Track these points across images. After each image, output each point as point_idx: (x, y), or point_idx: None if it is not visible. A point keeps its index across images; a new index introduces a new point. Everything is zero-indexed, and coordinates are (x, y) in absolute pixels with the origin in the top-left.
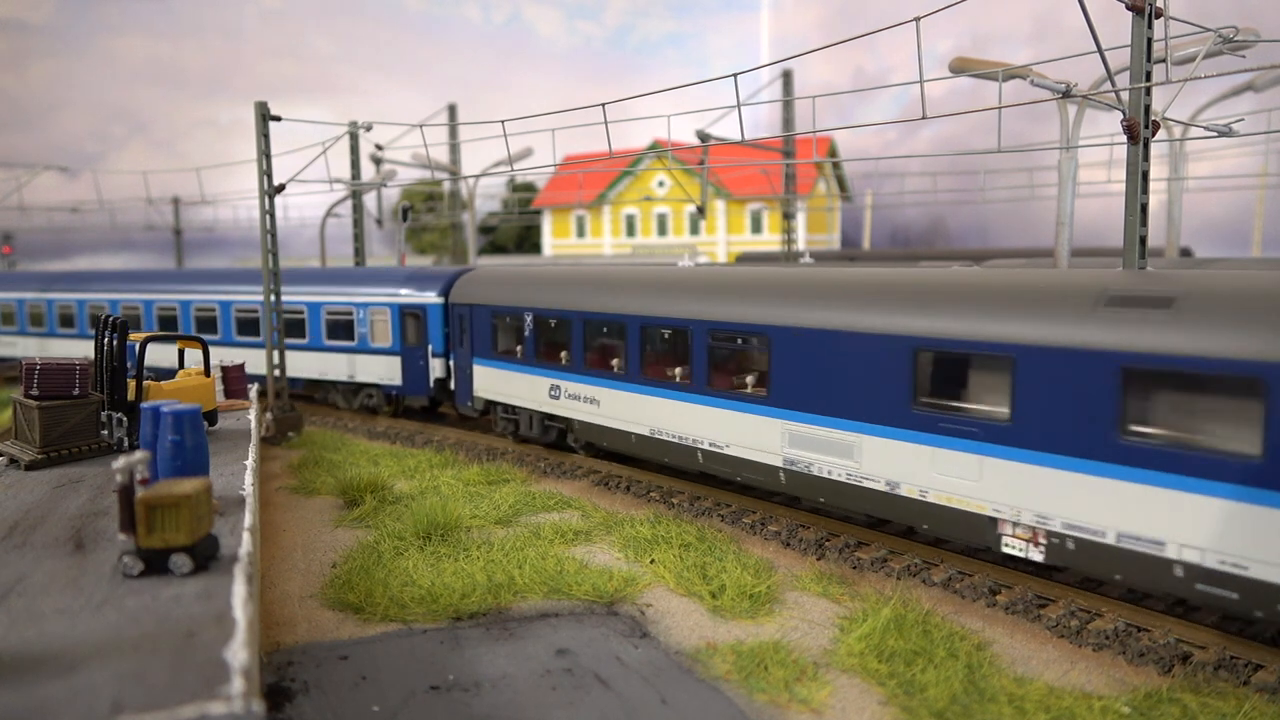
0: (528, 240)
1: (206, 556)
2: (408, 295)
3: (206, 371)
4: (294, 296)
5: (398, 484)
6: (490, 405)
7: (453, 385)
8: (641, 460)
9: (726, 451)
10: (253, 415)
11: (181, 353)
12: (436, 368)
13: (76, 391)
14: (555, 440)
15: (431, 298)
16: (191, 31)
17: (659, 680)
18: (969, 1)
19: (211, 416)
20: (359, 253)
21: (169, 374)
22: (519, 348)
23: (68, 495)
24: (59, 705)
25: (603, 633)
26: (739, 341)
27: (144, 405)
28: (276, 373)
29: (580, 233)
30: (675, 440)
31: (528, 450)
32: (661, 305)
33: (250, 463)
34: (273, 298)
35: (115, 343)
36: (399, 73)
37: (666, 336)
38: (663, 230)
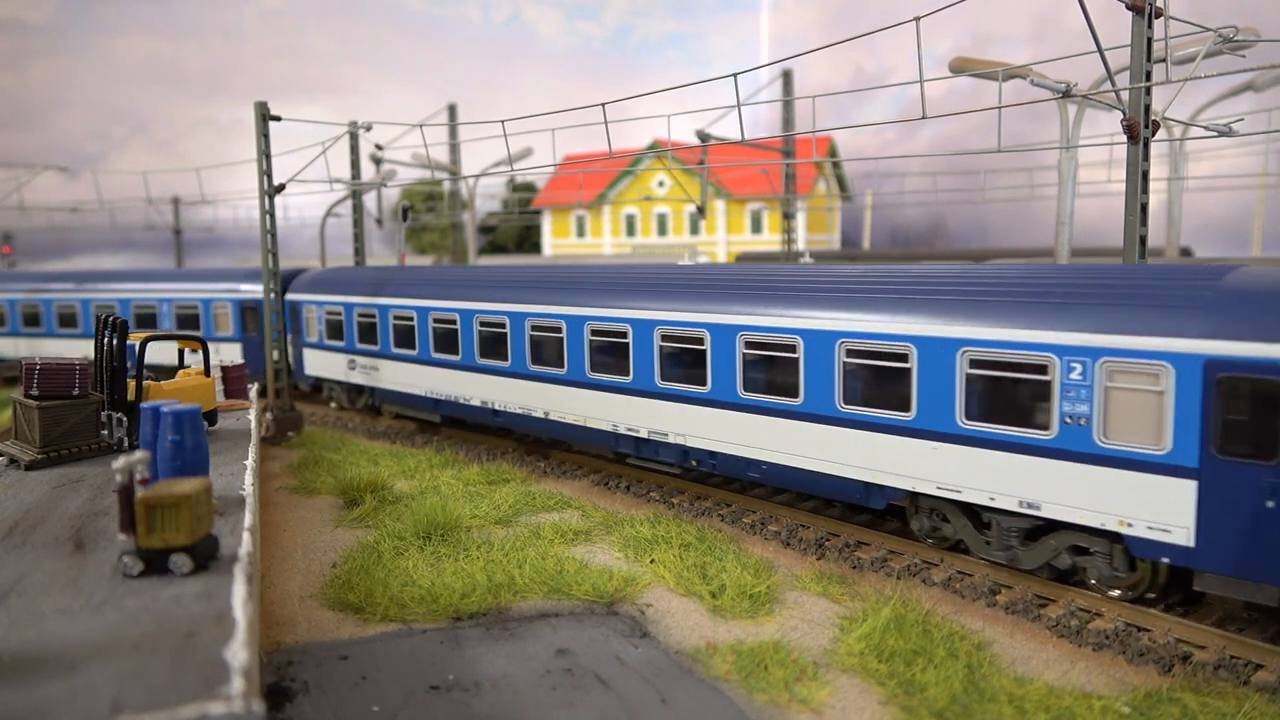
0: (528, 240)
1: (206, 556)
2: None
3: (206, 371)
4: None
5: (398, 484)
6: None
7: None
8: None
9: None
10: (253, 415)
11: (181, 352)
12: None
13: (76, 391)
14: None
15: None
16: (191, 31)
17: (659, 680)
18: (969, 1)
19: (211, 416)
20: (359, 253)
21: (169, 373)
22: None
23: (68, 495)
24: (59, 705)
25: (603, 632)
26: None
27: (144, 405)
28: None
29: (580, 233)
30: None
31: (527, 450)
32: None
33: (250, 463)
34: (273, 296)
35: (115, 342)
36: (399, 73)
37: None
38: (663, 230)
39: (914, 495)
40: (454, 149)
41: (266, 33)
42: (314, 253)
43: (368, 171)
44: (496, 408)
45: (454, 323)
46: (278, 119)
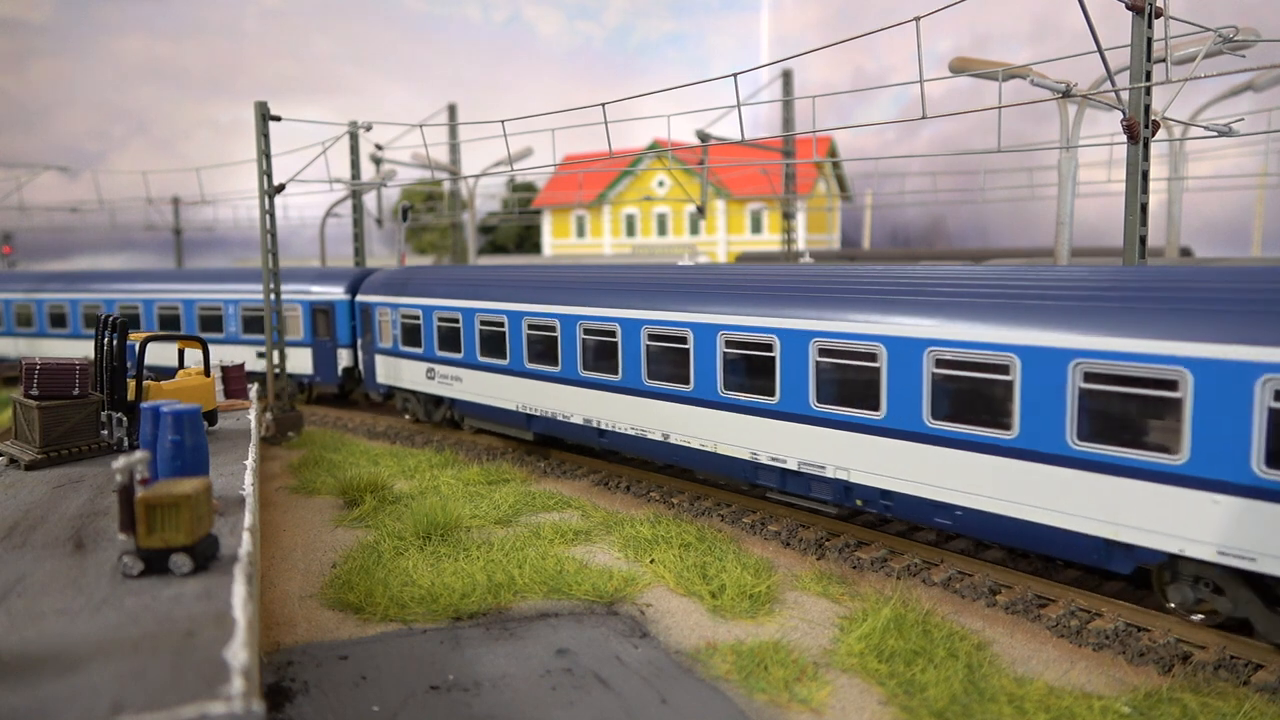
0: (528, 240)
1: (206, 556)
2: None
3: (206, 371)
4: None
5: (398, 484)
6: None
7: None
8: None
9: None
10: (252, 415)
11: (181, 352)
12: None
13: (76, 391)
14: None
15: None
16: (191, 31)
17: (659, 680)
18: (969, 1)
19: (211, 416)
20: (359, 253)
21: (169, 373)
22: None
23: (68, 495)
24: (59, 705)
25: (602, 633)
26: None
27: (144, 405)
28: (276, 371)
29: (580, 233)
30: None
31: (527, 450)
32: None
33: (250, 463)
34: (273, 296)
35: (115, 342)
36: (399, 73)
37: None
38: (663, 230)
39: (1176, 559)
40: (454, 149)
41: (266, 33)
42: (314, 253)
43: (368, 171)
44: (603, 427)
45: (553, 329)
46: (278, 119)
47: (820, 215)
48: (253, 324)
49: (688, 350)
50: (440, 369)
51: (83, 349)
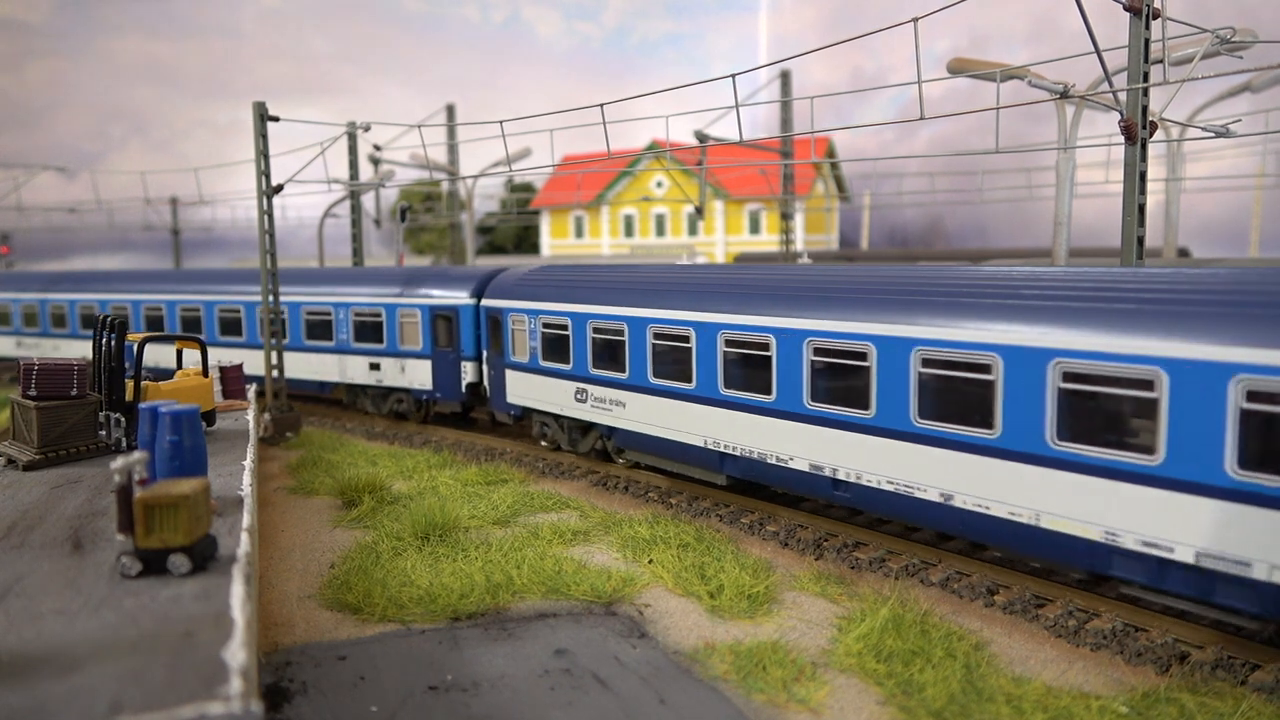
0: (526, 240)
1: (205, 557)
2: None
3: (205, 372)
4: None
5: (396, 484)
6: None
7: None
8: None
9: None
10: (251, 416)
11: (180, 353)
12: (469, 371)
13: (74, 392)
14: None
15: (462, 300)
16: (190, 31)
17: (657, 680)
18: (967, 2)
19: (210, 417)
20: (357, 253)
21: (166, 374)
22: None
23: (66, 496)
24: (58, 705)
25: (601, 633)
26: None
27: (142, 405)
28: (275, 373)
29: (579, 233)
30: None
31: (526, 450)
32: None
33: (248, 463)
34: (269, 298)
35: (113, 343)
36: (397, 73)
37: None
38: (661, 231)
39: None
40: (452, 149)
41: (265, 33)
42: (312, 253)
43: (366, 172)
44: (840, 476)
45: (765, 347)
46: (276, 119)
47: (818, 216)
48: (366, 331)
49: (992, 385)
50: (595, 390)
51: (248, 357)
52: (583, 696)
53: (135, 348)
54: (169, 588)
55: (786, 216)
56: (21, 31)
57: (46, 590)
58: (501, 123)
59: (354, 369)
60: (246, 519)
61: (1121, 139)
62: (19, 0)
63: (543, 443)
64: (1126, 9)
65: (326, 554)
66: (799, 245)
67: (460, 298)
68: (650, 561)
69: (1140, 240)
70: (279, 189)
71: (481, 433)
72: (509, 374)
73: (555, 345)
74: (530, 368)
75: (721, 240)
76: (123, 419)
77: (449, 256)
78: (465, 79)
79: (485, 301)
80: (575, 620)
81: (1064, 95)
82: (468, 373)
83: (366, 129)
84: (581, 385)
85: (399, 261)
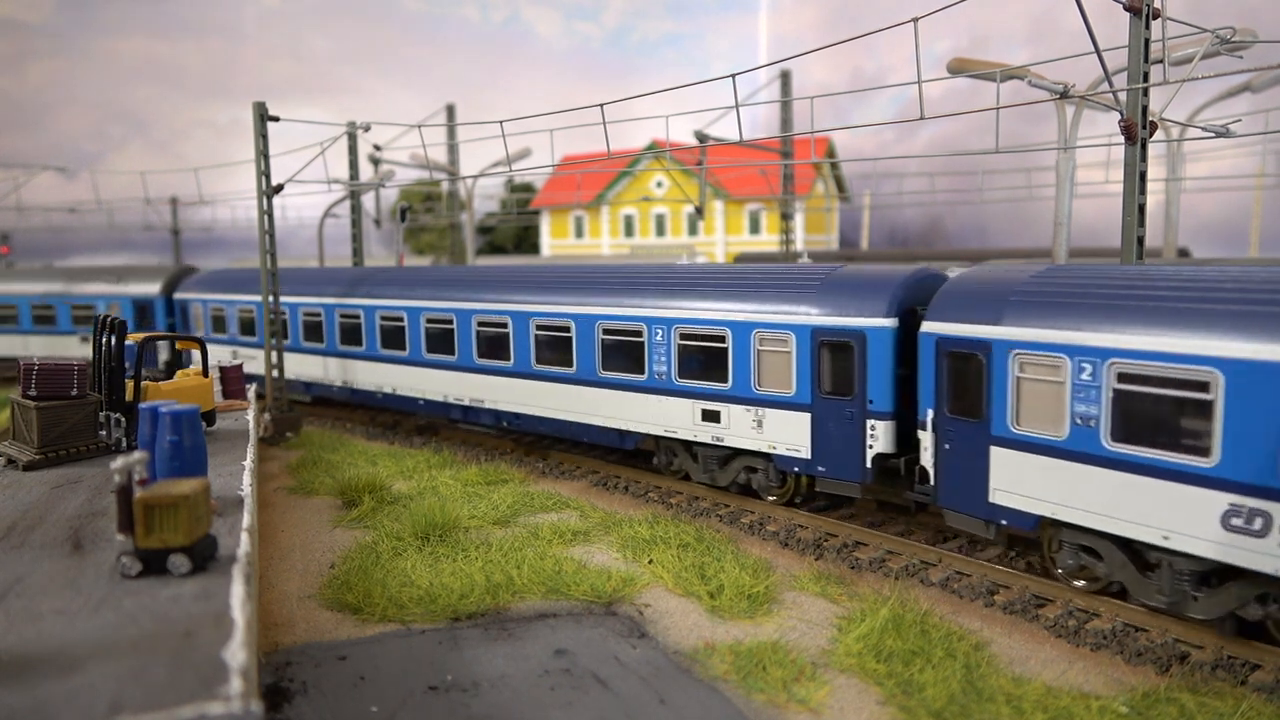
0: (526, 241)
1: (205, 557)
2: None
3: (205, 372)
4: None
5: (396, 484)
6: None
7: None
8: None
9: None
10: (251, 416)
11: (179, 353)
12: (880, 435)
13: (74, 392)
14: None
15: (872, 320)
16: (191, 31)
17: (657, 680)
18: (967, 2)
19: (210, 417)
20: (357, 253)
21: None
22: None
23: (66, 496)
24: (58, 705)
25: (601, 633)
26: None
27: (142, 405)
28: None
29: (579, 233)
30: None
31: (525, 451)
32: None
33: (248, 463)
34: (271, 299)
35: (113, 343)
36: (397, 73)
37: None
38: (661, 231)
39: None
40: (452, 149)
41: (265, 33)
42: (312, 254)
43: (366, 172)
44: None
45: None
46: (276, 119)
47: (818, 216)
48: (695, 362)
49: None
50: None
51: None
52: (583, 696)
53: (136, 348)
54: (169, 588)
55: (786, 216)
56: (21, 31)
57: (46, 590)
58: (501, 123)
59: (676, 415)
60: (246, 519)
61: (1121, 139)
62: (19, 0)
63: (1078, 582)
64: (1126, 9)
65: (326, 554)
66: (799, 245)
67: (868, 319)
68: (650, 561)
69: (1140, 240)
70: (279, 189)
71: (650, 473)
72: (996, 454)
73: (1148, 414)
74: (1066, 450)
75: (721, 240)
76: (123, 419)
77: (449, 257)
78: (465, 79)
79: (929, 326)
80: (575, 620)
81: (1064, 95)
82: (878, 438)
83: (366, 129)
84: (1232, 498)
85: (399, 262)
